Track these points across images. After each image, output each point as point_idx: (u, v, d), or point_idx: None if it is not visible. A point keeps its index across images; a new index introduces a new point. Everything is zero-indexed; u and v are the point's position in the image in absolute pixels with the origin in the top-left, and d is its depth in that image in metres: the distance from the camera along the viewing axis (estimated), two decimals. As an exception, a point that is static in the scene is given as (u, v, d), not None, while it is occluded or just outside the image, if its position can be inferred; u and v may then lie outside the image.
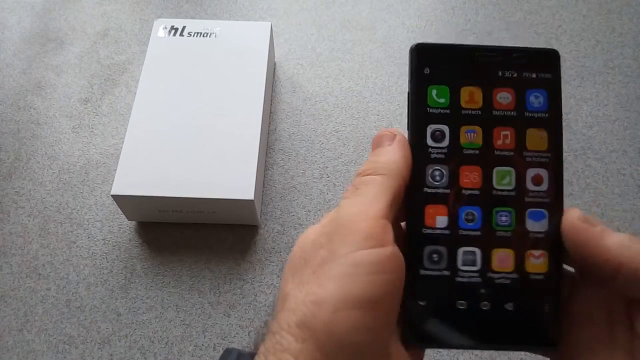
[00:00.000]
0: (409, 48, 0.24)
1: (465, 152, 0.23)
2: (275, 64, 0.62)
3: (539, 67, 0.23)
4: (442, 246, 0.23)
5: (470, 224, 0.23)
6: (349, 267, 0.19)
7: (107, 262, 0.50)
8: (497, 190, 0.23)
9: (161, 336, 0.46)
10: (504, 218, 0.23)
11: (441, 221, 0.23)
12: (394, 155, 0.22)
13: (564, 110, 0.64)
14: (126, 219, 0.52)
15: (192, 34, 0.56)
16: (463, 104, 0.23)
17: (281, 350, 0.19)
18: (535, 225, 0.23)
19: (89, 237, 0.51)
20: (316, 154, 0.56)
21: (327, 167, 0.55)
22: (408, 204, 0.23)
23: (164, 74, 0.53)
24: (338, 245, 0.20)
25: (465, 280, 0.23)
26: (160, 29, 0.56)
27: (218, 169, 0.48)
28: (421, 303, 0.22)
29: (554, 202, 0.23)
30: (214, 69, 0.54)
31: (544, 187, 0.23)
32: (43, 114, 0.59)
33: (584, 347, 0.21)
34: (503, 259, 0.23)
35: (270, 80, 0.59)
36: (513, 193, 0.23)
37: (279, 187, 0.54)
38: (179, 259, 0.50)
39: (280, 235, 0.51)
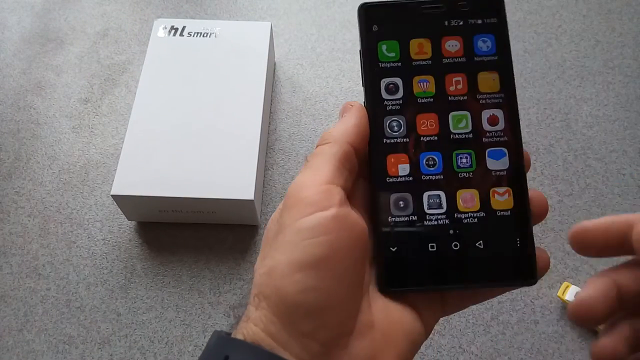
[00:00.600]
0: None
1: (420, 101, 0.24)
2: (275, 64, 0.62)
3: (484, 13, 0.24)
4: (407, 192, 0.23)
5: (432, 168, 0.24)
6: (292, 235, 0.20)
7: (107, 262, 0.50)
8: (454, 134, 0.24)
9: (161, 336, 0.46)
10: (464, 160, 0.24)
11: (403, 169, 0.24)
12: (344, 124, 0.23)
13: (564, 109, 0.64)
14: (126, 219, 0.52)
15: (192, 34, 0.56)
16: (413, 56, 0.24)
17: (245, 320, 0.21)
18: (496, 164, 0.24)
19: (89, 237, 0.51)
20: (316, 154, 0.56)
21: (327, 167, 0.55)
22: (370, 157, 0.24)
23: (164, 74, 0.53)
24: (286, 217, 0.21)
25: (433, 222, 0.23)
26: (160, 29, 0.56)
27: (218, 169, 0.48)
28: (392, 249, 0.23)
29: (512, 140, 0.24)
30: (213, 69, 0.54)
31: (501, 126, 0.24)
32: (43, 114, 0.59)
33: None
34: (468, 199, 0.23)
35: (270, 81, 0.59)
36: (470, 135, 0.24)
37: (279, 187, 0.54)
38: (179, 259, 0.50)
39: (280, 235, 0.51)
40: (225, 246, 0.51)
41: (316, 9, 0.67)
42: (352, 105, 0.24)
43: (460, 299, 0.25)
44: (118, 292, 0.48)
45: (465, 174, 0.23)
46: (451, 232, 0.23)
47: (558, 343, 0.46)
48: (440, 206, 0.23)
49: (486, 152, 0.23)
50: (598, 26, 0.65)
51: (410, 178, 0.23)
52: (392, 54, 0.24)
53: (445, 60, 0.24)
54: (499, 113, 0.24)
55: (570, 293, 0.46)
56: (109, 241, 0.51)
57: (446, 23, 0.24)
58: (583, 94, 0.59)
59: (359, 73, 0.24)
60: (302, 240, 0.20)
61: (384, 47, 0.24)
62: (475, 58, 0.24)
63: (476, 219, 0.23)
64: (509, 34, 0.24)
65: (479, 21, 0.24)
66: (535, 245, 0.24)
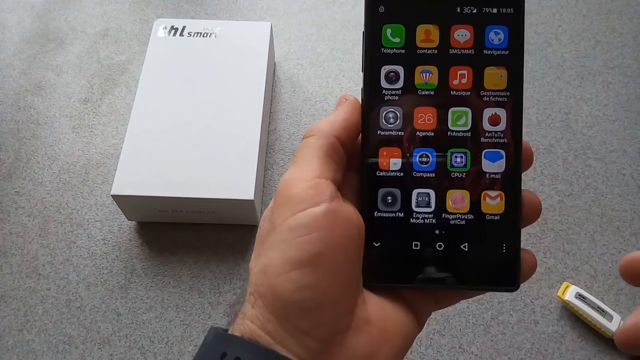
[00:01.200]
0: None
1: (420, 93, 0.23)
2: (275, 64, 0.62)
3: (500, 2, 0.22)
4: (396, 188, 0.23)
5: (425, 165, 0.23)
6: (285, 233, 0.20)
7: (107, 262, 0.50)
8: (452, 131, 0.23)
9: (161, 336, 0.46)
10: (459, 159, 0.23)
11: (395, 163, 0.23)
12: (332, 116, 0.23)
13: (564, 109, 0.64)
14: (126, 219, 0.52)
15: (192, 34, 0.56)
16: (418, 43, 0.23)
17: (242, 317, 0.21)
18: (492, 166, 0.23)
19: (89, 237, 0.51)
20: (316, 154, 0.56)
21: (327, 167, 0.55)
22: (362, 148, 0.23)
23: (164, 74, 0.53)
24: (277, 215, 0.21)
25: (419, 221, 0.23)
26: (160, 29, 0.56)
27: (218, 168, 0.48)
28: (376, 245, 0.23)
29: (512, 143, 0.22)
30: (214, 69, 0.54)
31: (502, 127, 0.23)
32: (43, 114, 0.59)
33: None
34: (458, 200, 0.23)
35: (270, 81, 0.59)
36: (469, 134, 0.23)
37: (279, 187, 0.54)
38: (179, 259, 0.50)
39: (280, 235, 0.51)
40: (226, 246, 0.51)
41: (316, 8, 0.67)
42: (346, 99, 0.23)
43: (451, 294, 0.25)
44: (118, 292, 0.48)
45: (458, 174, 0.23)
46: (437, 232, 0.23)
47: (558, 343, 0.46)
48: (428, 205, 0.23)
49: (482, 153, 0.22)
50: (598, 26, 0.65)
51: (401, 174, 0.23)
52: (397, 40, 0.22)
53: (452, 51, 0.22)
54: (501, 112, 0.22)
55: (570, 293, 0.46)
56: (109, 241, 0.51)
57: (458, 9, 0.22)
58: (583, 94, 0.59)
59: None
60: (295, 238, 0.20)
61: (388, 31, 0.22)
62: (484, 51, 0.22)
63: (464, 221, 0.23)
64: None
65: (494, 10, 0.22)
66: (523, 248, 0.23)
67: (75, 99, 0.60)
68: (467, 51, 0.22)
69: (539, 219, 0.53)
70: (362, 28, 0.23)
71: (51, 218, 0.52)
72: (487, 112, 0.23)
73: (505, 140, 0.22)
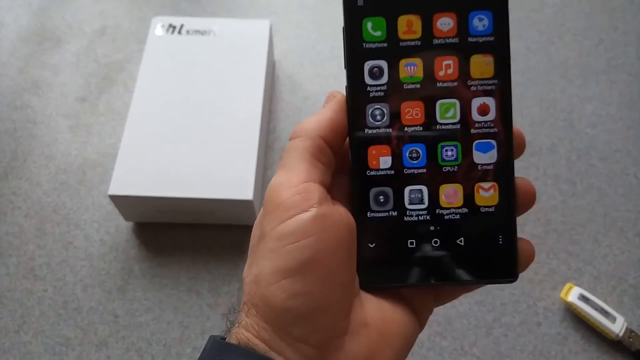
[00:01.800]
0: None
1: (406, 88, 0.22)
2: (274, 62, 0.62)
3: None
4: (387, 187, 0.22)
5: (415, 162, 0.22)
6: (274, 242, 0.20)
7: (105, 264, 0.49)
8: (441, 124, 0.22)
9: (159, 338, 0.46)
10: (449, 153, 0.22)
11: (385, 162, 0.22)
12: (318, 116, 0.22)
13: (567, 109, 0.63)
14: (124, 220, 0.51)
15: (191, 32, 0.55)
16: (401, 35, 0.22)
17: (237, 326, 0.21)
18: (483, 157, 0.22)
19: (86, 238, 0.51)
20: (316, 153, 0.55)
21: (327, 166, 0.54)
22: (350, 148, 0.22)
23: (161, 72, 0.53)
24: (266, 223, 0.21)
25: (413, 219, 0.22)
26: (158, 27, 0.56)
27: (216, 168, 0.47)
28: (370, 245, 0.22)
29: (502, 132, 0.22)
30: (212, 67, 0.53)
31: (491, 116, 0.22)
32: (40, 113, 0.59)
33: None
34: (451, 195, 0.22)
35: (270, 79, 0.58)
36: (458, 126, 0.22)
37: (279, 187, 0.53)
38: (177, 260, 0.49)
39: (280, 236, 0.51)
40: (224, 247, 0.50)
41: (316, 6, 0.66)
42: (334, 96, 0.23)
43: (452, 289, 0.24)
44: (115, 294, 0.48)
45: (449, 167, 0.22)
46: (432, 228, 0.22)
47: (561, 345, 0.45)
48: (421, 201, 0.22)
49: (473, 145, 0.22)
50: (601, 24, 0.64)
51: (392, 172, 0.22)
52: (378, 33, 0.22)
53: (436, 41, 0.22)
54: (490, 101, 0.22)
55: (573, 294, 0.45)
56: (106, 242, 0.51)
57: None
58: (586, 93, 0.59)
59: (344, 55, 0.22)
60: (284, 246, 0.20)
61: (369, 25, 0.22)
62: (469, 39, 0.22)
63: (458, 215, 0.22)
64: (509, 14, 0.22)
65: None
66: (520, 237, 0.23)
67: (73, 97, 0.60)
68: (451, 40, 0.22)
69: (541, 220, 0.52)
70: None
71: (48, 218, 0.52)
72: (476, 102, 0.22)
73: (496, 130, 0.22)
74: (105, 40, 0.64)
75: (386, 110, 0.22)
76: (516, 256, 0.22)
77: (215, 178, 0.47)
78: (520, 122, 0.56)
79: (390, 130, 0.22)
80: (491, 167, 0.22)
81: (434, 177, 0.22)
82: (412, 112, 0.22)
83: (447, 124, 0.22)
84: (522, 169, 0.54)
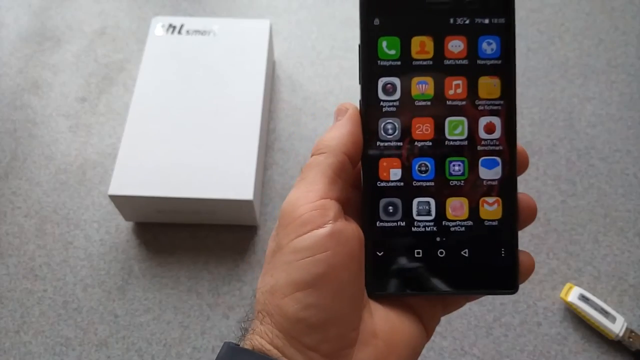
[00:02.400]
0: None
1: (417, 104, 0.23)
2: (274, 62, 0.62)
3: (492, 12, 0.23)
4: (396, 198, 0.23)
5: (424, 175, 0.23)
6: (289, 255, 0.21)
7: (105, 264, 0.49)
8: (449, 140, 0.23)
9: (159, 338, 0.46)
10: (457, 168, 0.23)
11: (395, 174, 0.23)
12: (339, 131, 0.23)
13: (567, 108, 0.63)
14: (124, 220, 0.51)
15: (191, 32, 0.55)
16: (414, 55, 0.23)
17: (251, 332, 0.22)
18: (489, 173, 0.23)
19: (86, 238, 0.51)
20: (316, 153, 0.55)
21: (327, 166, 0.54)
22: (362, 160, 0.23)
23: (161, 72, 0.53)
24: (282, 236, 0.21)
25: (420, 229, 0.23)
26: (158, 27, 0.56)
27: (216, 168, 0.47)
28: (379, 254, 0.23)
29: (507, 150, 0.23)
30: (212, 67, 0.53)
31: (497, 135, 0.23)
32: (40, 113, 0.59)
33: None
34: (457, 208, 0.23)
35: (270, 79, 0.58)
36: (465, 142, 0.23)
37: (279, 187, 0.53)
38: (177, 260, 0.49)
39: (280, 236, 0.51)
40: (224, 247, 0.50)
41: (316, 6, 0.66)
42: (347, 109, 0.23)
43: (456, 299, 0.25)
44: (115, 294, 0.48)
45: (456, 181, 0.23)
46: (438, 239, 0.23)
47: (561, 345, 0.45)
48: (429, 213, 0.23)
49: (479, 161, 0.23)
50: (601, 24, 0.64)
51: (402, 183, 0.23)
52: (393, 52, 0.23)
53: (447, 62, 0.23)
54: (496, 121, 0.23)
55: (573, 294, 0.45)
56: (106, 242, 0.51)
57: (451, 21, 0.23)
58: (586, 93, 0.59)
59: (359, 71, 0.24)
60: (299, 260, 0.20)
61: (384, 44, 0.23)
62: (478, 61, 0.23)
63: (463, 228, 0.23)
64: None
65: (486, 21, 0.23)
66: (521, 250, 0.24)
67: (72, 98, 0.60)
68: (461, 62, 0.23)
69: (541, 220, 0.52)
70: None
71: (48, 218, 0.52)
72: (483, 121, 0.23)
73: (501, 148, 0.23)
74: (105, 40, 0.64)
75: (398, 125, 0.23)
76: (517, 269, 0.23)
77: (215, 178, 0.47)
78: (520, 122, 0.56)
79: (401, 144, 0.23)
80: (496, 182, 0.23)
81: (442, 190, 0.23)
82: (422, 127, 0.23)
83: (455, 140, 0.23)
84: (522, 169, 0.54)
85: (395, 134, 0.23)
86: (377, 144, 0.23)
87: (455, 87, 0.23)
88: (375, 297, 0.23)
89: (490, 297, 0.47)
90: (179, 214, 0.49)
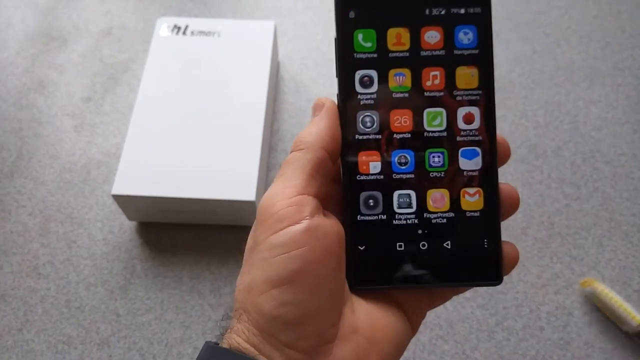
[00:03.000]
0: None
1: (395, 96, 0.23)
2: (278, 63, 0.62)
3: (468, 2, 0.23)
4: (377, 191, 0.23)
5: (404, 167, 0.23)
6: (265, 251, 0.21)
7: (107, 263, 0.50)
8: (428, 132, 0.23)
9: (160, 338, 0.46)
10: (436, 159, 0.23)
11: (374, 167, 0.23)
12: (316, 126, 0.22)
13: (572, 112, 0.63)
14: (127, 219, 0.51)
15: (195, 33, 0.55)
16: (390, 47, 0.23)
17: (229, 331, 0.22)
18: (469, 164, 0.23)
19: (89, 237, 0.51)
20: (319, 155, 0.55)
21: (330, 168, 0.54)
22: (342, 153, 0.23)
23: (166, 73, 0.53)
24: (259, 232, 0.21)
25: (402, 222, 0.23)
26: (163, 28, 0.56)
27: (220, 169, 0.47)
28: (360, 248, 0.23)
29: (487, 140, 0.23)
30: (216, 68, 0.53)
31: (476, 125, 0.23)
32: (45, 112, 0.59)
33: None
34: (438, 199, 0.23)
35: (274, 80, 0.58)
36: (444, 134, 0.23)
37: (281, 188, 0.53)
38: (179, 260, 0.50)
39: (282, 237, 0.51)
40: (227, 247, 0.50)
41: (321, 7, 0.66)
42: (323, 103, 0.23)
43: (442, 292, 0.25)
44: (118, 293, 0.48)
45: (436, 173, 0.23)
46: (419, 232, 0.23)
47: (564, 350, 0.45)
48: (410, 206, 0.23)
49: (459, 152, 0.23)
50: (608, 27, 0.63)
51: (381, 176, 0.23)
52: (369, 44, 0.23)
53: (423, 53, 0.23)
54: (475, 111, 0.23)
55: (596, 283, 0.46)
56: (109, 241, 0.51)
57: (427, 12, 0.23)
58: (592, 96, 0.58)
59: (336, 64, 0.23)
60: (275, 257, 0.20)
61: (360, 36, 0.23)
62: (455, 51, 0.23)
63: (445, 219, 0.23)
64: (492, 26, 0.23)
65: (462, 10, 0.23)
66: (505, 240, 0.23)
67: (78, 97, 0.60)
68: (438, 52, 0.23)
69: (545, 223, 0.52)
70: None
71: (52, 217, 0.52)
72: (461, 111, 0.23)
73: (480, 138, 0.23)
74: (110, 40, 0.64)
75: (376, 118, 0.23)
76: (501, 259, 0.23)
77: (218, 178, 0.47)
78: (525, 124, 0.56)
79: (380, 136, 0.23)
80: (476, 173, 0.23)
81: (422, 182, 0.23)
82: (401, 119, 0.23)
83: (434, 131, 0.23)
84: (526, 171, 0.53)
85: (374, 126, 0.23)
86: (356, 137, 0.23)
87: (433, 78, 0.23)
88: (358, 292, 0.23)
89: (492, 300, 0.47)
90: (181, 214, 0.49)
